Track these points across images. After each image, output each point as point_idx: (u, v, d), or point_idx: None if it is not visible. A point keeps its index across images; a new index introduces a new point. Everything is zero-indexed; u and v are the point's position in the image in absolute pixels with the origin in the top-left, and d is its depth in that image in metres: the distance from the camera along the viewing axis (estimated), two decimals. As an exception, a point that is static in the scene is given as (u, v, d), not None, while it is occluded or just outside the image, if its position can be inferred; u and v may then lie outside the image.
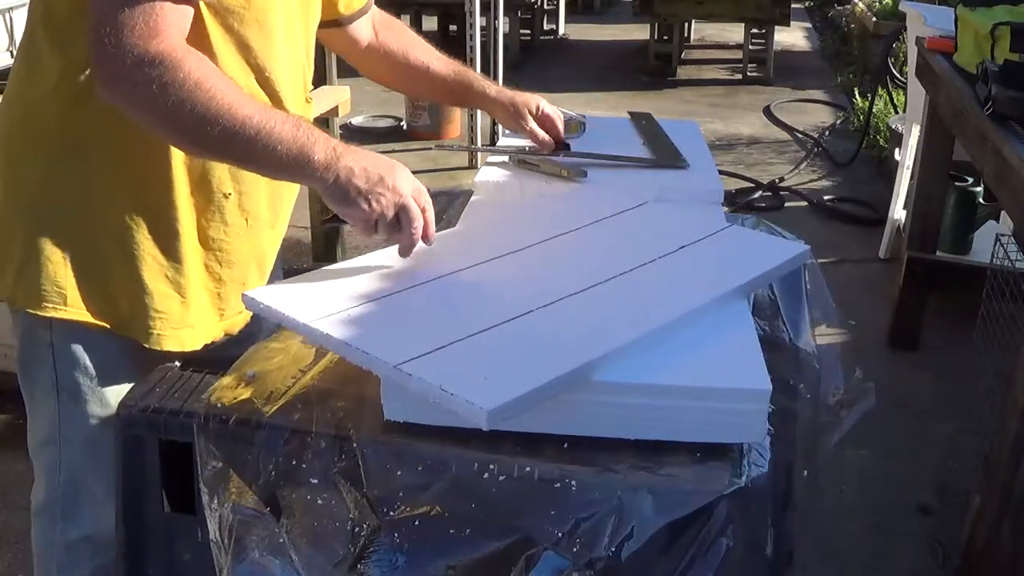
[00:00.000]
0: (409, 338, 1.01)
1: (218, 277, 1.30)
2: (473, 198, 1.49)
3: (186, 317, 1.27)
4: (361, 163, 1.15)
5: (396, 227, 1.17)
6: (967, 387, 2.49)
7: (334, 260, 3.69)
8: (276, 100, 1.27)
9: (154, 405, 1.07)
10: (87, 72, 1.15)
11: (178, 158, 1.22)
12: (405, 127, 5.45)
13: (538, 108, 1.62)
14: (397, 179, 1.16)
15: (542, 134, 1.62)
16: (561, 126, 1.65)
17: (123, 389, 1.17)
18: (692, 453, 0.97)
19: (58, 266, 1.21)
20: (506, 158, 1.62)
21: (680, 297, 1.12)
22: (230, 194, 1.28)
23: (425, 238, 1.19)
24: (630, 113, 1.94)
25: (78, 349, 1.24)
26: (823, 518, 2.32)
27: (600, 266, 1.19)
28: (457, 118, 5.24)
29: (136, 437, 1.07)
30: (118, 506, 1.10)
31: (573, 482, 0.94)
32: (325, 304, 1.09)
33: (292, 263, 3.83)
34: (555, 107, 1.66)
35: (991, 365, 2.17)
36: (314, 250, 3.79)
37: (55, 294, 1.20)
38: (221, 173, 1.26)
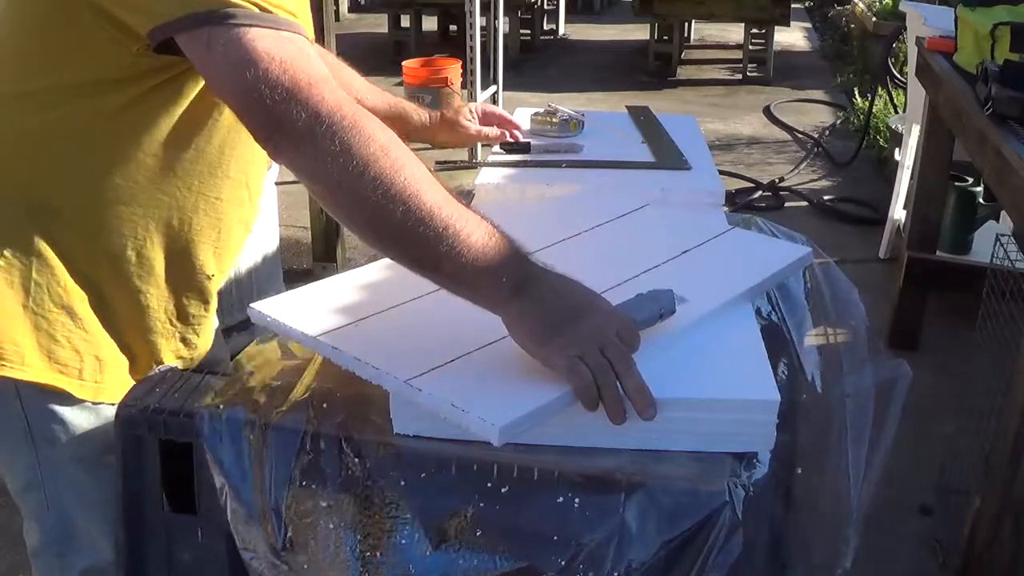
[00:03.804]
0: (417, 351, 1.01)
1: (194, 345, 1.27)
2: (473, 202, 1.48)
3: (137, 374, 1.22)
4: (548, 297, 0.97)
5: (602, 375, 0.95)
6: (967, 387, 2.49)
7: (334, 260, 3.72)
8: None
9: (154, 405, 1.07)
10: (74, 126, 1.08)
11: (160, 237, 1.16)
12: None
13: (473, 110, 1.61)
14: (593, 318, 0.98)
15: (490, 130, 1.63)
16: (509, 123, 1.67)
17: (101, 429, 1.15)
18: (693, 455, 0.97)
19: (17, 326, 1.12)
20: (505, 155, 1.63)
21: (685, 305, 1.11)
22: (213, 275, 1.24)
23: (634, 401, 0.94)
24: (628, 108, 1.94)
25: (47, 399, 1.16)
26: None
27: (603, 273, 1.18)
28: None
29: (136, 437, 1.07)
30: (118, 506, 1.10)
31: (576, 499, 0.94)
32: (332, 316, 1.09)
33: (292, 263, 3.83)
34: (494, 106, 1.66)
35: (991, 365, 2.17)
36: (314, 250, 3.78)
37: (13, 354, 1.12)
38: (205, 256, 1.21)
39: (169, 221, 1.16)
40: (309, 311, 1.11)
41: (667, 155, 1.65)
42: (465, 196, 1.51)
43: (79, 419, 1.17)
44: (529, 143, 1.67)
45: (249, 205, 1.26)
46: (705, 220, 1.40)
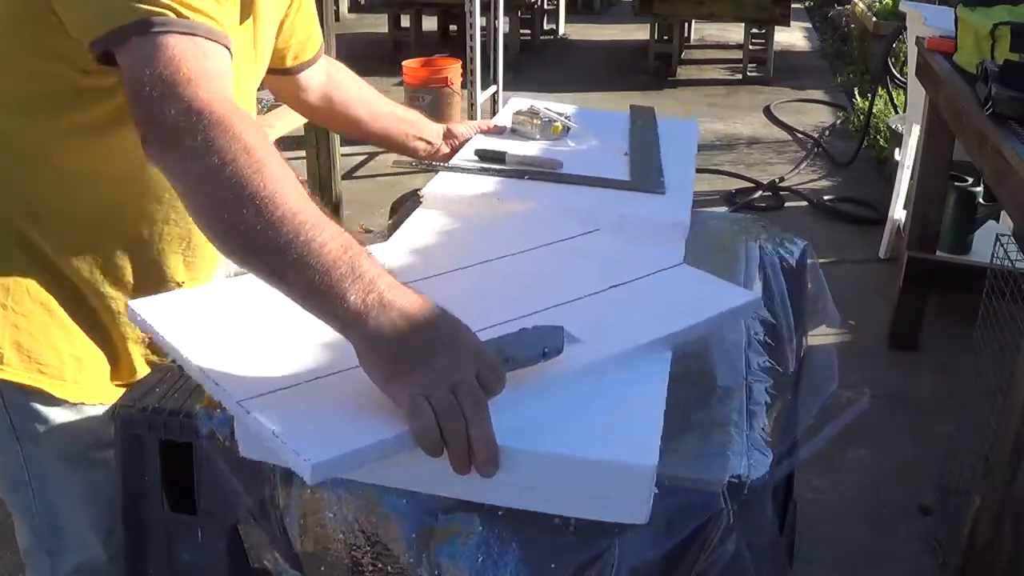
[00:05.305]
0: (270, 370, 0.95)
1: (163, 352, 1.29)
2: (419, 210, 1.40)
3: (116, 377, 1.24)
4: (400, 324, 0.86)
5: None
6: (967, 387, 2.50)
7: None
8: None
9: (154, 405, 1.07)
10: (62, 137, 1.11)
11: (130, 244, 1.19)
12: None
13: (450, 131, 1.66)
14: (451, 353, 0.86)
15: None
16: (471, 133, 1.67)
17: (85, 428, 1.16)
18: (693, 456, 0.96)
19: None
20: (472, 155, 1.56)
21: (582, 347, 0.99)
22: (183, 283, 1.25)
23: (476, 454, 0.84)
24: (632, 107, 1.86)
25: (29, 398, 1.17)
26: (823, 518, 2.33)
27: (515, 301, 1.07)
28: (457, 116, 5.25)
29: (136, 437, 1.07)
30: (118, 506, 1.10)
31: (572, 521, 0.92)
32: (203, 323, 1.05)
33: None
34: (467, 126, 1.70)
35: (991, 365, 2.17)
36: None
37: None
38: (175, 265, 1.24)
39: (139, 231, 1.19)
40: (183, 315, 1.07)
41: (644, 175, 1.50)
42: (412, 202, 1.44)
43: (61, 418, 1.18)
44: (505, 153, 1.54)
45: None
46: (654, 253, 1.25)
